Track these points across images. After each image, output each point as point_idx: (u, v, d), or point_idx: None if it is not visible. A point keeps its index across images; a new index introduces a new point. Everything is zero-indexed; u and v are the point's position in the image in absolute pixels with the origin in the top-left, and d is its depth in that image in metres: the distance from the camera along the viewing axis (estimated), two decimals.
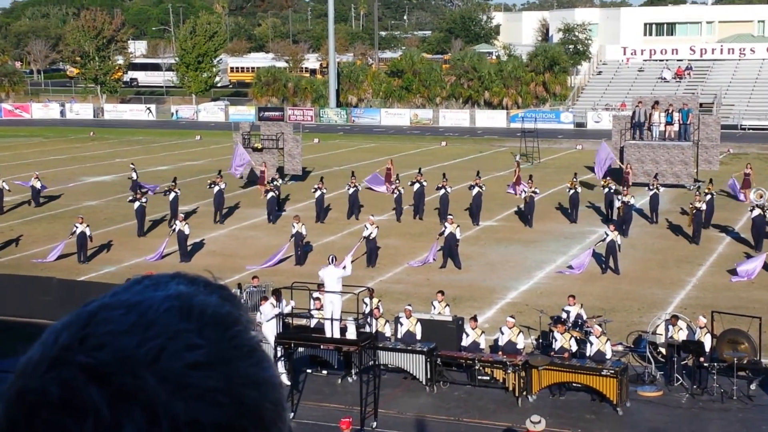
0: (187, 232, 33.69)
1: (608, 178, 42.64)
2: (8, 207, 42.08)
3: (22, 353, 0.94)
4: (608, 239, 31.41)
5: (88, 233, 32.92)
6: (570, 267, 30.64)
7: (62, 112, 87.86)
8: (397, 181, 40.19)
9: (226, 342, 0.94)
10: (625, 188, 38.67)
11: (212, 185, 39.63)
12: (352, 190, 39.06)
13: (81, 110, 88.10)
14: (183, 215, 35.24)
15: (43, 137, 71.59)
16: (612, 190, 38.88)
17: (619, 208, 35.77)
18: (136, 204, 36.69)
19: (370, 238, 32.14)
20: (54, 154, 60.71)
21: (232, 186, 43.32)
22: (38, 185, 44.16)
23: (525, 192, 38.01)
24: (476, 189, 37.86)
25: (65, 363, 0.88)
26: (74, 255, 32.72)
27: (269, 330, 22.34)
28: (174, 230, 33.78)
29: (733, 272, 29.66)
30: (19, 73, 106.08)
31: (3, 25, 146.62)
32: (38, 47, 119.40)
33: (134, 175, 46.10)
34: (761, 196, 36.90)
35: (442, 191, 38.11)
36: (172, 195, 38.29)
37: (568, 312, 23.59)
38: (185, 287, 0.97)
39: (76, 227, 32.91)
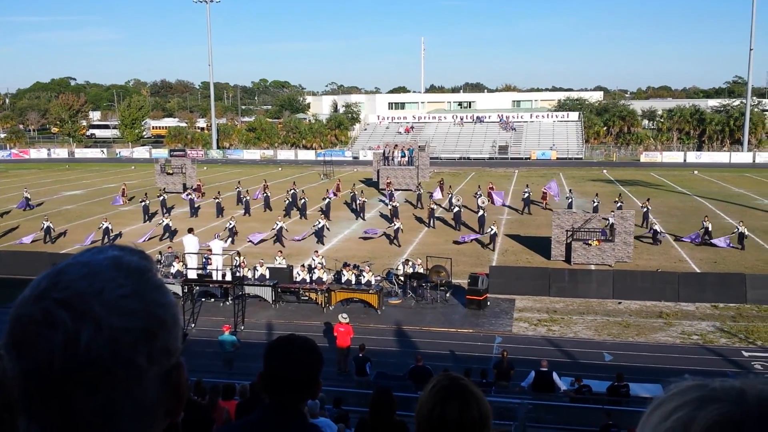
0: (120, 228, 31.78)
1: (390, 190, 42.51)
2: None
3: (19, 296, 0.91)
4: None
5: (109, 227, 29.31)
6: (366, 233, 30.43)
7: (48, 154, 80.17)
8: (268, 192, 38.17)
9: (142, 282, 0.91)
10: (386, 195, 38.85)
11: (187, 196, 38.04)
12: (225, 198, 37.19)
13: (60, 153, 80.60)
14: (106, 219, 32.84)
15: (37, 169, 65.21)
16: (387, 193, 38.98)
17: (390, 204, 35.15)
18: (124, 208, 34.03)
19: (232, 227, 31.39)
20: (43, 179, 55.31)
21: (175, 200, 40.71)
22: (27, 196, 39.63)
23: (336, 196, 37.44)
24: (303, 200, 36.20)
25: (45, 298, 0.87)
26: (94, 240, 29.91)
27: (190, 246, 21.72)
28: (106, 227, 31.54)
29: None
30: (21, 131, 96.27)
31: (12, 103, 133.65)
32: (34, 116, 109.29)
33: (27, 195, 39.82)
34: (459, 200, 34.03)
35: (326, 200, 35.60)
36: (144, 203, 34.99)
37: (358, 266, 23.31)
38: (117, 252, 0.93)
39: (102, 224, 29.25)
